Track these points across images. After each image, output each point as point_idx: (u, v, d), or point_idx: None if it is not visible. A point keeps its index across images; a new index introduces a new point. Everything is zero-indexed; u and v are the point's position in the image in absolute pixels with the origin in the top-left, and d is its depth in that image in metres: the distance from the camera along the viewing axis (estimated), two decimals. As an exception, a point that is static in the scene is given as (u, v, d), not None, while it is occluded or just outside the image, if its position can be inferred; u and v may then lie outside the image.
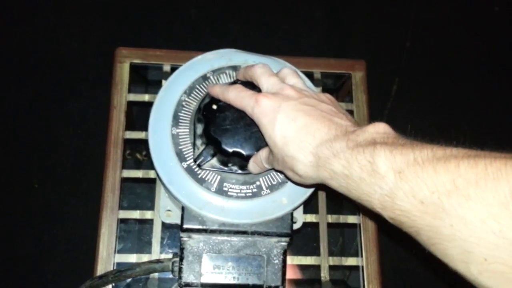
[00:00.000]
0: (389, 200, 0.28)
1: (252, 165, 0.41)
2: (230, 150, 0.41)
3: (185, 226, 0.42)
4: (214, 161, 0.43)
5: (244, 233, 0.42)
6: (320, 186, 0.38)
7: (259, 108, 0.36)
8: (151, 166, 0.45)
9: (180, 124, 0.44)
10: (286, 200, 0.43)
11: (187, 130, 0.44)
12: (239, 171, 0.43)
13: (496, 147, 0.29)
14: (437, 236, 0.26)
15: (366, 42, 0.92)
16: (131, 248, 0.67)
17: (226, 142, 0.41)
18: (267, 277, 0.43)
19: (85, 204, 0.74)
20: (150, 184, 0.51)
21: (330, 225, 0.52)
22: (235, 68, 0.47)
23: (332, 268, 0.51)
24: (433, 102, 0.89)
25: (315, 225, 0.52)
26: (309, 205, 0.51)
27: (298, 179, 0.36)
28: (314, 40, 0.91)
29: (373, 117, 0.55)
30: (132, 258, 0.48)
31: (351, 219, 0.52)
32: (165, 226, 0.50)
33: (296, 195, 0.44)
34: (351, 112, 0.56)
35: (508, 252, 0.23)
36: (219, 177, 0.43)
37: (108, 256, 0.48)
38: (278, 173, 0.44)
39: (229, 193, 0.43)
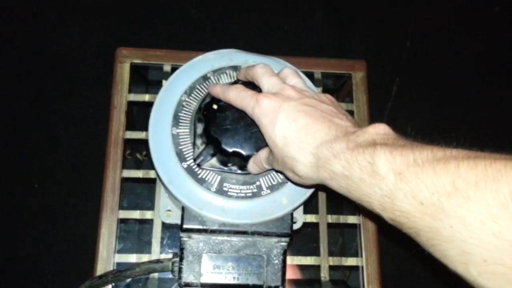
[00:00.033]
0: (389, 201, 0.28)
1: (251, 165, 0.41)
2: (230, 150, 0.41)
3: (185, 226, 0.42)
4: (214, 161, 0.43)
5: (244, 233, 0.42)
6: (320, 187, 0.38)
7: (260, 108, 0.36)
8: (151, 166, 0.45)
9: (180, 124, 0.44)
10: (286, 200, 0.43)
11: (187, 130, 0.44)
12: (239, 171, 0.43)
13: (496, 147, 0.29)
14: (437, 237, 0.26)
15: (367, 42, 0.92)
16: (131, 248, 0.67)
17: (226, 142, 0.41)
18: (267, 277, 0.43)
19: (85, 204, 0.74)
20: (150, 184, 0.51)
21: (330, 225, 0.52)
22: (235, 68, 0.47)
23: (332, 268, 0.51)
24: (433, 102, 0.89)
25: (315, 225, 0.52)
26: (309, 205, 0.51)
27: (298, 179, 0.36)
28: (315, 40, 0.91)
29: (373, 117, 0.55)
30: (132, 258, 0.48)
31: (351, 219, 0.52)
32: (165, 226, 0.50)
33: (296, 195, 0.44)
34: (351, 112, 0.56)
35: (507, 253, 0.23)
36: (219, 177, 0.43)
37: (108, 256, 0.48)
38: (278, 173, 0.44)
39: (229, 193, 0.43)
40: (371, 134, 0.32)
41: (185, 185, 0.42)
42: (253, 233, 0.42)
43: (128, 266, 0.44)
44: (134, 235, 0.67)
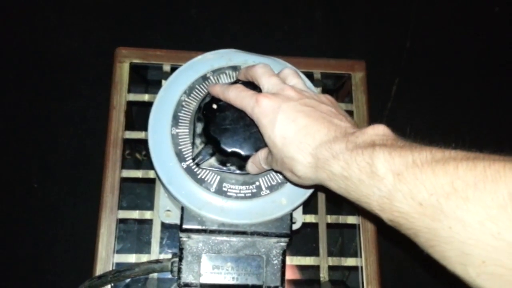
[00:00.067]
0: (387, 202, 0.29)
1: (250, 166, 0.41)
2: (229, 150, 0.41)
3: (184, 226, 0.42)
4: (213, 161, 0.43)
5: (243, 233, 0.42)
6: (319, 187, 0.38)
7: (259, 108, 0.36)
8: (150, 166, 0.45)
9: (180, 124, 0.44)
10: (286, 201, 0.43)
11: (187, 130, 0.44)
12: (237, 171, 0.43)
13: (496, 147, 0.29)
14: (436, 238, 0.26)
15: (366, 42, 0.92)
16: (130, 248, 0.67)
17: (225, 141, 0.41)
18: (266, 278, 0.43)
19: (85, 204, 0.74)
20: (150, 184, 0.51)
21: (329, 226, 0.52)
22: (235, 68, 0.47)
23: (331, 268, 0.51)
24: (433, 103, 0.89)
25: (314, 226, 0.52)
26: (309, 206, 0.51)
27: (296, 180, 0.36)
28: (314, 40, 0.91)
29: (373, 118, 0.55)
30: (131, 258, 0.48)
31: (351, 219, 0.52)
32: (164, 226, 0.50)
33: (296, 195, 0.44)
34: (351, 112, 0.56)
35: (506, 254, 0.23)
36: (218, 177, 0.43)
37: (107, 256, 0.48)
38: (278, 174, 0.44)
39: (228, 193, 0.43)
40: (370, 135, 0.32)
41: (184, 185, 0.42)
42: (252, 233, 0.42)
43: (127, 266, 0.44)
44: (134, 235, 0.67)
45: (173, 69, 0.52)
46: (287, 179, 0.41)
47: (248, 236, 0.43)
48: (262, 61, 0.47)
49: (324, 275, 0.50)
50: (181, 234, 0.43)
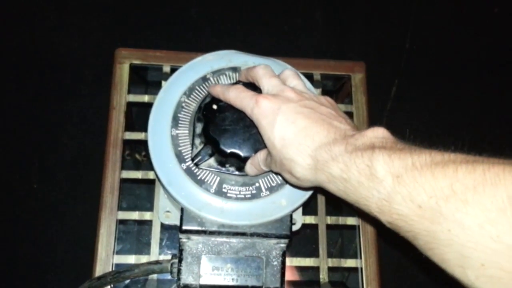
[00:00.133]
0: (387, 204, 0.29)
1: (249, 167, 0.41)
2: (228, 150, 0.41)
3: (184, 227, 0.42)
4: (212, 161, 0.43)
5: (243, 234, 0.42)
6: (318, 189, 0.38)
7: (259, 109, 0.36)
8: (150, 167, 0.45)
9: (179, 125, 0.44)
10: (285, 202, 0.43)
11: (187, 131, 0.44)
12: (236, 172, 0.43)
13: (496, 148, 0.29)
14: (435, 241, 0.26)
15: (366, 43, 0.92)
16: (130, 249, 0.67)
17: (224, 142, 0.41)
18: (266, 279, 0.43)
19: (84, 204, 0.74)
20: (149, 185, 0.51)
21: (329, 227, 0.52)
22: (235, 69, 0.47)
23: (331, 269, 0.51)
24: (432, 103, 0.89)
25: (314, 227, 0.52)
26: (308, 207, 0.51)
27: (295, 181, 0.36)
28: (314, 41, 0.91)
29: (372, 119, 0.55)
30: (131, 259, 0.48)
31: (350, 220, 0.52)
32: (164, 227, 0.50)
33: (295, 196, 0.44)
34: (350, 113, 0.56)
35: (505, 257, 0.23)
36: (218, 178, 0.43)
37: (107, 257, 0.48)
38: (277, 175, 0.44)
39: (228, 195, 0.43)
40: (370, 138, 0.32)
41: (184, 186, 0.42)
42: (252, 235, 0.42)
43: (127, 267, 0.44)
44: (133, 236, 0.67)
45: (173, 70, 0.52)
46: (285, 181, 0.41)
47: (248, 237, 0.43)
48: (262, 62, 0.47)
49: (323, 276, 0.50)
50: (180, 235, 0.43)
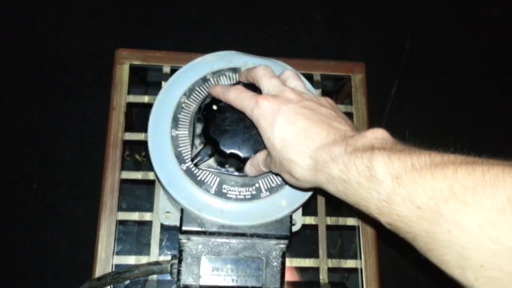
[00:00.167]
0: (386, 205, 0.29)
1: (248, 168, 0.41)
2: (228, 151, 0.41)
3: (184, 228, 0.42)
4: (211, 162, 0.43)
5: (243, 235, 0.42)
6: (318, 190, 0.38)
7: (259, 110, 0.36)
8: (150, 167, 0.45)
9: (179, 126, 0.44)
10: (285, 203, 0.43)
11: (187, 132, 0.44)
12: (236, 173, 0.43)
13: (496, 149, 0.29)
14: (434, 242, 0.26)
15: (366, 44, 0.92)
16: (130, 250, 0.67)
17: (224, 143, 0.41)
18: (266, 280, 0.43)
19: (84, 205, 0.74)
20: (149, 185, 0.51)
21: (329, 227, 0.52)
22: (234, 70, 0.47)
23: (331, 270, 0.51)
24: (432, 104, 0.89)
25: (314, 227, 0.52)
26: (308, 207, 0.51)
27: (295, 182, 0.36)
28: (314, 42, 0.91)
29: (372, 119, 0.56)
30: (131, 260, 0.48)
31: (350, 221, 0.52)
32: (164, 228, 0.50)
33: (295, 197, 0.44)
34: (350, 114, 0.56)
35: (505, 258, 0.23)
36: (218, 179, 0.43)
37: (107, 257, 0.48)
38: (277, 176, 0.44)
39: (228, 195, 0.43)
40: (370, 139, 0.32)
41: (184, 187, 0.42)
42: (252, 235, 0.42)
43: (127, 268, 0.44)
44: (133, 236, 0.67)
45: (173, 70, 0.52)
46: (285, 182, 0.41)
47: (248, 238, 0.43)
48: (262, 63, 0.47)
49: (323, 277, 0.50)
50: (180, 236, 0.43)
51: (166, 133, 0.44)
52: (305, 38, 0.91)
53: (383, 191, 0.29)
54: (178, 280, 0.42)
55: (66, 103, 0.81)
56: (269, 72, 0.40)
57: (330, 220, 0.52)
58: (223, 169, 0.43)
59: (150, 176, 0.51)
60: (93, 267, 0.48)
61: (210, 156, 0.42)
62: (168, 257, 0.46)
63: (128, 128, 0.53)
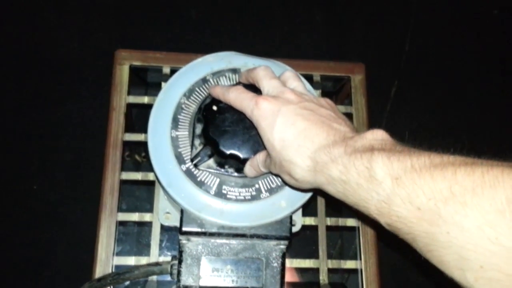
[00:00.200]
0: (386, 206, 0.29)
1: (248, 168, 0.41)
2: (227, 152, 0.41)
3: (184, 228, 0.42)
4: (211, 162, 0.43)
5: (243, 236, 0.42)
6: (317, 191, 0.38)
7: (259, 110, 0.36)
8: (150, 168, 0.45)
9: (179, 126, 0.44)
10: (285, 203, 0.43)
11: (187, 132, 0.44)
12: (235, 174, 0.43)
13: (495, 150, 0.29)
14: (433, 243, 0.26)
15: (366, 45, 0.92)
16: (130, 250, 0.67)
17: (223, 143, 0.41)
18: (265, 280, 0.43)
19: (84, 206, 0.74)
20: (149, 186, 0.51)
21: (329, 228, 0.52)
22: (234, 70, 0.47)
23: (331, 271, 0.51)
24: (432, 105, 0.89)
25: (314, 228, 0.52)
26: (308, 208, 0.51)
27: (294, 183, 0.36)
28: (314, 42, 0.91)
29: (372, 120, 0.56)
30: (131, 260, 0.48)
31: (350, 222, 0.52)
32: (164, 229, 0.50)
33: (295, 198, 0.44)
34: (350, 115, 0.56)
35: (504, 259, 0.23)
36: (218, 180, 0.43)
37: (107, 258, 0.48)
38: (277, 177, 0.44)
39: (228, 196, 0.43)
40: (369, 140, 0.32)
41: (184, 187, 0.42)
42: (252, 236, 0.42)
43: (127, 269, 0.44)
44: (133, 237, 0.67)
45: (173, 71, 0.52)
46: (285, 182, 0.41)
47: (248, 238, 0.43)
48: (262, 64, 0.47)
49: (323, 278, 0.50)
50: (180, 237, 0.43)
51: (166, 134, 0.44)
52: (305, 38, 0.91)
53: (382, 192, 0.29)
54: (178, 281, 0.42)
55: (66, 103, 0.81)
56: (269, 73, 0.40)
57: (330, 221, 0.52)
58: (222, 170, 0.43)
59: (150, 176, 0.51)
60: (93, 267, 0.48)
61: (209, 157, 0.42)
62: (168, 258, 0.46)
63: (128, 128, 0.53)
